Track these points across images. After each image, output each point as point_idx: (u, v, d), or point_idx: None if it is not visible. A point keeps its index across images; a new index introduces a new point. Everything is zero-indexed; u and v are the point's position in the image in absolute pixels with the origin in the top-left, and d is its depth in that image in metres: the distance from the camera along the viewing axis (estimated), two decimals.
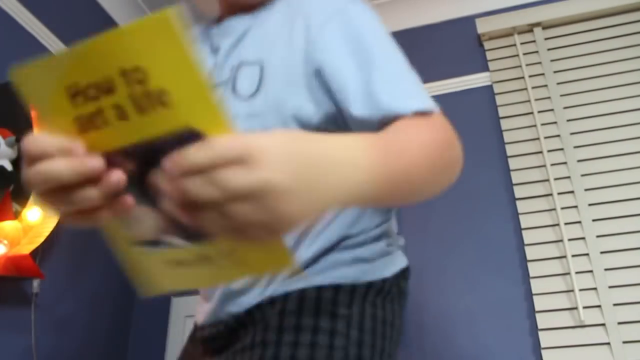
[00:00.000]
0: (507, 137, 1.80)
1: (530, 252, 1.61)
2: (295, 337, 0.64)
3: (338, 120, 0.71)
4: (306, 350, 0.63)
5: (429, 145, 0.63)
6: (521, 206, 1.68)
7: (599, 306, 1.49)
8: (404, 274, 0.80)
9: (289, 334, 0.65)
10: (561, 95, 1.80)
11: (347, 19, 0.75)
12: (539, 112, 1.79)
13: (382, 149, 0.54)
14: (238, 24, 0.83)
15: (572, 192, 1.65)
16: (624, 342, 1.43)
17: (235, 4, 0.84)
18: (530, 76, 1.86)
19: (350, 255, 0.74)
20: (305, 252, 0.71)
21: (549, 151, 1.72)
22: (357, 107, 0.66)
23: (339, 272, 0.72)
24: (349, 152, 0.49)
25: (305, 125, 0.71)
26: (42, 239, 1.48)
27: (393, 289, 0.76)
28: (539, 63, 1.88)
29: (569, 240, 1.58)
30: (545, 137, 1.75)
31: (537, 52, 1.90)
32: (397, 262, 0.80)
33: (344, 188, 0.47)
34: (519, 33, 1.94)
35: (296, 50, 0.72)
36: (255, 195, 0.39)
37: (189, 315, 1.89)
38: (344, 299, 0.69)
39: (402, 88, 0.69)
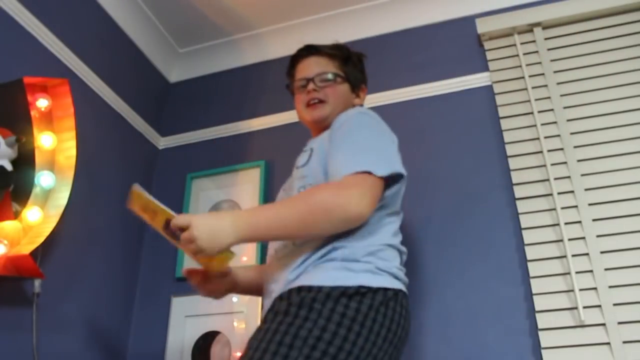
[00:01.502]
0: (507, 137, 1.80)
1: (530, 252, 1.61)
2: (283, 319, 1.02)
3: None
4: (286, 327, 0.99)
5: (303, 202, 1.11)
6: (521, 206, 1.68)
7: (599, 306, 1.49)
8: (387, 292, 1.06)
9: (283, 316, 1.02)
10: (561, 95, 1.80)
11: (343, 126, 1.22)
12: (539, 112, 1.79)
13: (248, 213, 1.14)
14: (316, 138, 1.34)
15: (572, 192, 1.65)
16: (624, 342, 1.43)
17: (319, 127, 1.36)
18: (530, 76, 1.86)
19: (339, 265, 1.08)
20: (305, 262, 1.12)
21: (549, 151, 1.72)
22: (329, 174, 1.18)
23: (325, 275, 1.06)
24: (226, 221, 1.08)
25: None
26: (42, 239, 1.47)
27: (367, 300, 1.03)
28: (539, 63, 1.88)
29: (569, 240, 1.58)
30: (545, 137, 1.75)
31: (537, 52, 1.90)
32: (380, 281, 1.07)
33: (223, 238, 1.06)
34: (519, 33, 1.94)
35: (323, 149, 1.24)
36: (190, 240, 1.05)
37: (189, 315, 1.89)
38: (321, 297, 1.01)
39: (344, 162, 1.14)
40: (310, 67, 1.40)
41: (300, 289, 1.04)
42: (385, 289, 1.06)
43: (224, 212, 1.23)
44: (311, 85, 1.36)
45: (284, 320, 1.00)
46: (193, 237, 1.04)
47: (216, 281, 1.30)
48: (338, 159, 1.14)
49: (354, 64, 1.45)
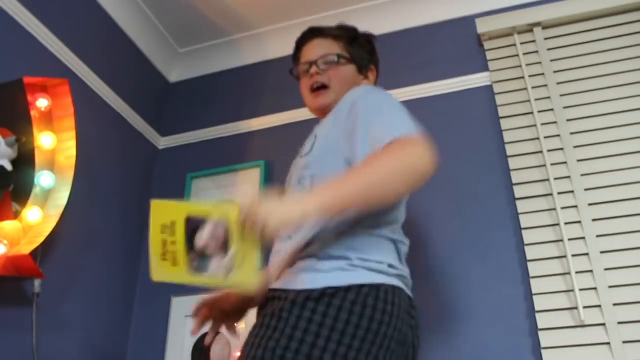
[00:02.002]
0: (507, 137, 1.80)
1: (530, 252, 1.61)
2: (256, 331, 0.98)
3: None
4: (258, 339, 0.95)
5: (379, 164, 0.97)
6: (521, 206, 1.68)
7: (599, 306, 1.49)
8: (361, 289, 0.97)
9: (257, 329, 0.99)
10: (561, 95, 1.80)
11: (356, 107, 1.14)
12: (539, 112, 1.79)
13: (328, 184, 0.97)
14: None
15: (572, 192, 1.65)
16: (624, 342, 1.43)
17: (324, 112, 1.30)
18: (530, 76, 1.86)
19: (306, 265, 1.01)
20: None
21: (549, 151, 1.72)
22: (362, 150, 1.06)
23: (298, 278, 1.00)
24: (299, 196, 0.99)
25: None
26: (42, 239, 1.47)
27: (337, 301, 0.94)
28: (539, 63, 1.88)
29: (569, 240, 1.58)
30: (545, 137, 1.75)
31: (537, 52, 1.90)
32: (350, 278, 0.97)
33: (297, 210, 0.91)
34: (519, 33, 1.94)
35: (330, 132, 1.16)
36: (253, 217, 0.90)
37: (189, 315, 1.89)
38: (287, 305, 0.96)
39: (388, 126, 1.05)
40: (314, 49, 1.35)
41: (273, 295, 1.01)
42: (360, 286, 0.96)
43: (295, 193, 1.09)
44: (314, 69, 1.31)
45: (255, 332, 0.98)
46: (256, 212, 0.89)
47: (236, 309, 1.22)
48: (379, 126, 1.05)
49: (361, 45, 1.38)
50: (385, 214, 1.10)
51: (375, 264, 1.01)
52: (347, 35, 1.37)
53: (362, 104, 1.11)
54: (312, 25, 1.47)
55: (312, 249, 1.03)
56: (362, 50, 1.38)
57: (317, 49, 1.34)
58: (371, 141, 1.04)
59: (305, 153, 1.19)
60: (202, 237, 0.92)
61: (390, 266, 1.03)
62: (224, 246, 0.91)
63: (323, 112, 1.30)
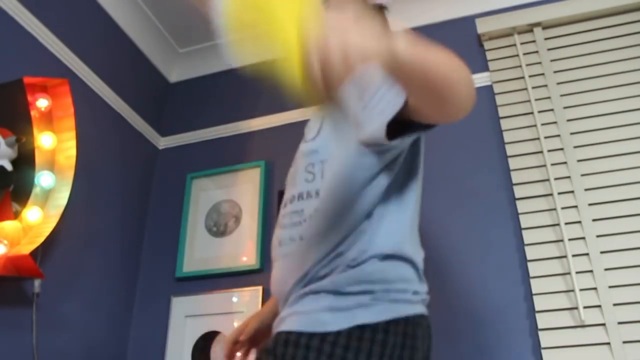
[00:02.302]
0: (507, 137, 1.80)
1: (530, 252, 1.61)
2: None
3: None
4: None
5: (448, 57, 0.84)
6: (521, 206, 1.68)
7: (599, 306, 1.49)
8: (388, 325, 0.85)
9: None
10: (561, 95, 1.80)
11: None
12: (539, 112, 1.79)
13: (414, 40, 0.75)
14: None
15: (572, 192, 1.65)
16: (624, 342, 1.43)
17: None
18: (530, 76, 1.86)
19: (324, 301, 0.87)
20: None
21: (549, 151, 1.72)
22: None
23: (318, 319, 0.86)
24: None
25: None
26: (42, 239, 1.47)
27: (366, 344, 0.83)
28: (539, 63, 1.88)
29: (569, 240, 1.58)
30: (545, 137, 1.75)
31: (537, 52, 1.90)
32: (380, 314, 0.86)
33: (376, 37, 0.67)
34: (519, 33, 1.94)
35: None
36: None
37: (189, 315, 1.89)
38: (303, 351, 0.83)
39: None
40: None
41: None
42: (387, 323, 0.86)
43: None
44: None
45: None
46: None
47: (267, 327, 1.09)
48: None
49: None
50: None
51: (398, 293, 0.90)
52: None
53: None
54: None
55: (328, 280, 0.89)
56: None
57: None
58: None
59: (310, 138, 1.05)
60: None
61: (415, 292, 0.93)
62: None
63: None
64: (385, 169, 0.94)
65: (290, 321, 0.89)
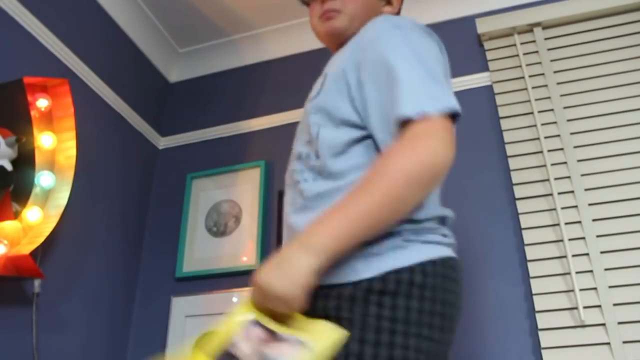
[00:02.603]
0: (507, 137, 1.80)
1: (530, 252, 1.61)
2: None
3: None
4: None
5: (381, 182, 0.78)
6: (521, 206, 1.68)
7: (599, 306, 1.49)
8: (425, 266, 0.82)
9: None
10: (561, 95, 1.80)
11: (376, 48, 0.93)
12: (539, 112, 1.79)
13: (318, 226, 0.78)
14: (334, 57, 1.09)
15: (572, 192, 1.65)
16: (624, 342, 1.43)
17: (333, 47, 1.13)
18: (530, 76, 1.86)
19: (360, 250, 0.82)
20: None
21: (549, 151, 1.72)
22: (374, 121, 0.89)
23: (349, 267, 0.82)
24: (292, 248, 0.78)
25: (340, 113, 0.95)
26: (42, 239, 1.47)
27: (404, 287, 0.80)
28: (539, 63, 1.88)
29: (569, 240, 1.58)
30: (545, 137, 1.75)
31: (537, 52, 1.90)
32: (414, 256, 0.82)
33: (296, 267, 0.75)
34: (519, 33, 1.94)
35: (344, 68, 0.96)
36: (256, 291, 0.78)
37: (189, 315, 1.89)
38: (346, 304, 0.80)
39: (400, 101, 0.83)
40: None
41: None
42: (423, 264, 0.84)
43: (285, 246, 0.82)
44: None
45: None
46: (256, 285, 0.77)
47: None
48: (388, 97, 0.86)
49: None
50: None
51: (429, 234, 0.87)
52: None
53: (382, 48, 0.91)
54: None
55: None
56: None
57: None
58: (384, 110, 0.87)
59: (314, 95, 1.01)
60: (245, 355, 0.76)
61: (444, 235, 0.91)
62: (272, 335, 0.77)
63: (335, 40, 1.10)
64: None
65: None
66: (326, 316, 0.79)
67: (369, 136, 0.91)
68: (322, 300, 0.81)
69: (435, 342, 0.79)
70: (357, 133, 0.92)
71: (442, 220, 0.94)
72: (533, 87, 1.84)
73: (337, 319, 0.78)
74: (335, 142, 0.92)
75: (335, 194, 0.86)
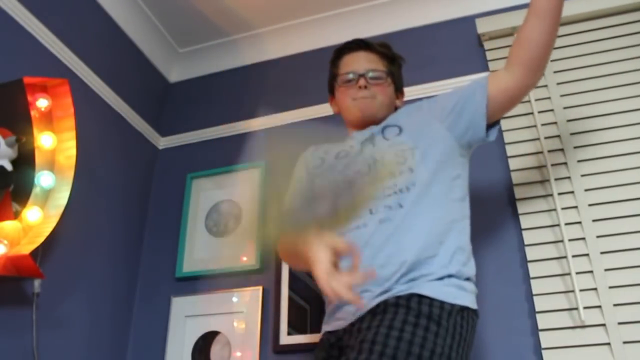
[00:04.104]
0: (507, 137, 1.80)
1: (531, 253, 1.61)
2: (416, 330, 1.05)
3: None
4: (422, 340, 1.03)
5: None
6: (521, 206, 1.68)
7: (599, 306, 1.48)
8: (463, 311, 1.12)
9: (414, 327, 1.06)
10: (561, 96, 1.80)
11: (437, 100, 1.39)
12: (539, 112, 1.79)
13: None
14: (366, 130, 1.38)
15: (572, 192, 1.65)
16: (625, 343, 1.43)
17: (366, 122, 1.39)
18: None
19: (453, 282, 1.14)
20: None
21: (549, 151, 1.72)
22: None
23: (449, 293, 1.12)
24: None
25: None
26: (42, 239, 1.47)
27: (471, 320, 1.13)
28: None
29: (569, 240, 1.58)
30: (546, 138, 1.75)
31: None
32: (465, 300, 1.13)
33: None
34: None
35: (420, 117, 1.34)
36: None
37: (189, 315, 1.89)
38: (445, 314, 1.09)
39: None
40: (360, 61, 1.38)
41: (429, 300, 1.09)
42: (475, 309, 1.17)
43: None
44: (362, 81, 1.35)
45: (409, 329, 1.03)
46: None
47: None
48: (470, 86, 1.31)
49: (399, 66, 1.46)
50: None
51: (475, 287, 1.20)
52: (390, 55, 1.43)
53: (429, 99, 1.38)
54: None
55: (454, 267, 1.15)
56: (398, 72, 1.45)
57: (364, 62, 1.38)
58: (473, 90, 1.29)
59: (395, 135, 1.29)
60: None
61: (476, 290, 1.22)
62: None
63: (366, 120, 1.36)
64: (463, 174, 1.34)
65: (420, 287, 1.10)
66: (429, 316, 1.05)
67: None
68: (427, 306, 1.07)
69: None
70: None
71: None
72: None
73: (438, 323, 1.04)
74: None
75: None
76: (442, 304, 1.07)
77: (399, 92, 1.46)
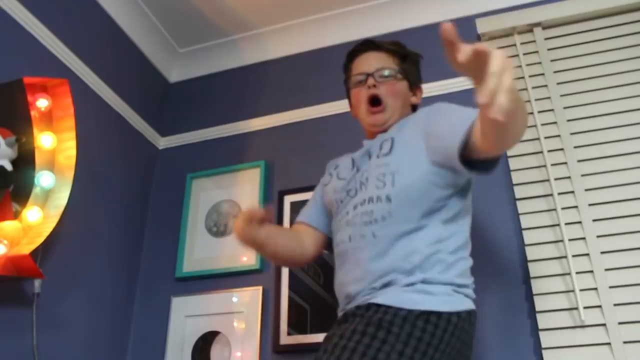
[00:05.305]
0: None
1: (531, 253, 1.61)
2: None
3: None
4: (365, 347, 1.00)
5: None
6: (521, 206, 1.68)
7: (599, 306, 1.49)
8: (461, 315, 1.09)
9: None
10: (561, 96, 1.80)
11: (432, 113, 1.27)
12: (539, 112, 1.79)
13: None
14: (380, 137, 1.35)
15: (572, 192, 1.65)
16: (625, 343, 1.43)
17: (375, 131, 1.38)
18: (530, 76, 1.86)
19: (417, 287, 1.10)
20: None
21: (549, 151, 1.72)
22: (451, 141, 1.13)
23: (410, 299, 1.07)
24: None
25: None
26: (42, 239, 1.47)
27: (442, 322, 1.05)
28: (539, 63, 1.88)
29: (570, 240, 1.58)
30: (546, 138, 1.75)
31: (537, 52, 1.90)
32: (457, 305, 1.10)
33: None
34: (519, 33, 1.94)
35: (411, 135, 1.25)
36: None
37: (189, 315, 1.89)
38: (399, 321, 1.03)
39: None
40: (370, 61, 1.39)
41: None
42: (459, 312, 1.10)
43: None
44: (371, 81, 1.35)
45: (356, 338, 1.02)
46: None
47: (251, 227, 1.25)
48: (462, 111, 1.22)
49: (412, 62, 1.44)
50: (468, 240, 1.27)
51: (469, 290, 1.17)
52: (401, 51, 1.43)
53: (436, 107, 1.27)
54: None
55: (422, 275, 1.11)
56: (413, 68, 1.43)
57: (373, 62, 1.38)
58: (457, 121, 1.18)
59: (385, 153, 1.26)
60: None
61: (473, 290, 1.19)
62: None
63: (377, 129, 1.36)
64: (456, 194, 1.24)
65: (381, 298, 1.08)
66: (379, 325, 1.02)
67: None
68: (381, 314, 1.05)
69: None
70: None
71: (471, 271, 1.22)
72: (533, 87, 1.84)
73: (388, 330, 1.01)
74: None
75: None
76: (397, 310, 1.04)
77: (415, 87, 1.43)
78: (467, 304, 1.13)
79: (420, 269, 1.11)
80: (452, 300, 1.10)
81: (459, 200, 1.25)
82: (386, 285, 1.11)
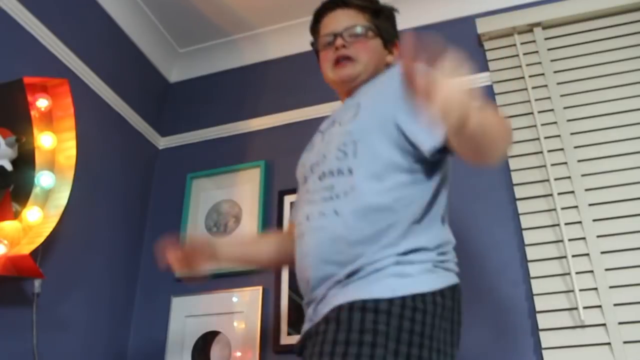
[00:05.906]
0: None
1: (531, 252, 1.61)
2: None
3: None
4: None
5: (496, 114, 0.94)
6: (521, 206, 1.68)
7: (599, 306, 1.49)
8: (444, 291, 0.97)
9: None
10: (561, 95, 1.80)
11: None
12: (539, 112, 1.79)
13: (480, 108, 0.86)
14: (347, 102, 1.22)
15: (572, 192, 1.65)
16: (625, 343, 1.43)
17: (345, 90, 1.24)
18: (530, 76, 1.86)
19: (389, 269, 0.95)
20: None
21: (549, 151, 1.72)
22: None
23: (386, 285, 0.93)
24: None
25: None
26: (42, 239, 1.47)
27: (429, 306, 0.93)
28: (539, 63, 1.88)
29: (569, 240, 1.58)
30: (545, 137, 1.75)
31: (537, 52, 1.90)
32: (439, 282, 0.97)
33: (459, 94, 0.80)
34: (519, 33, 1.94)
35: (380, 99, 1.10)
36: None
37: (189, 315, 1.89)
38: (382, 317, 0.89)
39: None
40: (338, 20, 1.24)
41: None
42: (442, 290, 0.97)
43: None
44: (339, 41, 1.20)
45: (342, 350, 0.88)
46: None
47: (195, 254, 1.21)
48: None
49: (386, 17, 1.29)
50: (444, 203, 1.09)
51: (450, 264, 1.04)
52: (372, 7, 1.27)
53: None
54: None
55: (394, 254, 0.97)
56: (387, 24, 1.29)
57: (341, 20, 1.24)
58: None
59: (348, 119, 1.11)
60: None
61: (455, 263, 1.07)
62: None
63: (347, 85, 1.22)
64: (427, 164, 1.05)
65: (351, 292, 0.94)
66: (361, 328, 0.88)
67: None
68: (359, 312, 0.90)
69: (449, 357, 0.94)
70: None
71: (453, 246, 1.08)
72: (533, 87, 1.84)
73: (374, 331, 0.88)
74: None
75: None
76: (376, 304, 0.90)
77: (390, 44, 1.27)
78: (451, 279, 1.00)
79: (391, 246, 0.97)
80: (433, 278, 0.96)
81: (430, 169, 1.07)
82: (353, 273, 0.97)
